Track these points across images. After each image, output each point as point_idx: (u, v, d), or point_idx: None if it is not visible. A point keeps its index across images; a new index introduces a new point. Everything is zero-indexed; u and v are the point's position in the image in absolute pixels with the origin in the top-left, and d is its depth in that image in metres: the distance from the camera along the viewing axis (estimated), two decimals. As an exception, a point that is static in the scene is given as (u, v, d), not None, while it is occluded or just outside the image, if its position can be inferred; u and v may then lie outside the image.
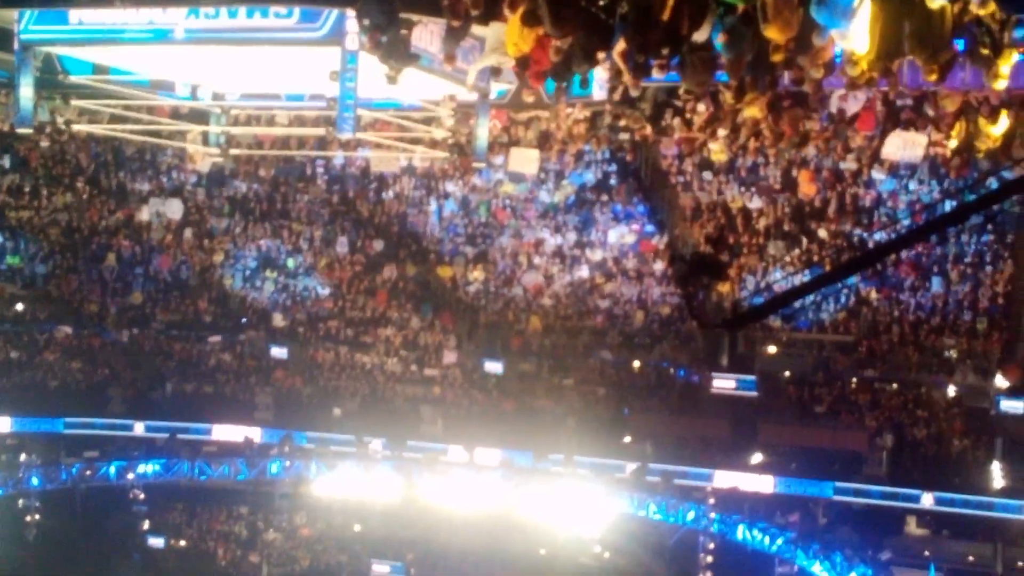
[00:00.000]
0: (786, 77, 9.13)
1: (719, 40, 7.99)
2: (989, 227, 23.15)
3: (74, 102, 14.89)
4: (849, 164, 22.83)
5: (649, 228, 25.57)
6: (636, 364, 26.17)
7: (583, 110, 16.22)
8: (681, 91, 14.73)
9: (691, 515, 24.92)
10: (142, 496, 29.85)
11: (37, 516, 29.46)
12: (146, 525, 30.57)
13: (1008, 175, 19.71)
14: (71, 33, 11.22)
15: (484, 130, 13.27)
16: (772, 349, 25.09)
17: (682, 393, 26.01)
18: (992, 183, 21.27)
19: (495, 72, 10.76)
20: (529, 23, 8.64)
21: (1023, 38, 7.86)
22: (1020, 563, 23.74)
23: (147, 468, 28.49)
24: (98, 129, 16.35)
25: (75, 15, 11.05)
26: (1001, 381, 22.81)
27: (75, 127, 16.51)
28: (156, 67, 13.11)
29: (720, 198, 24.53)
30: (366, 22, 9.79)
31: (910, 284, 23.89)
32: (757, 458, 24.88)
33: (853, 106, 17.01)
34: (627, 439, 25.99)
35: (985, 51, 7.79)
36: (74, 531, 29.49)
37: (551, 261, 26.34)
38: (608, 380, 26.41)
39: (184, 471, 28.31)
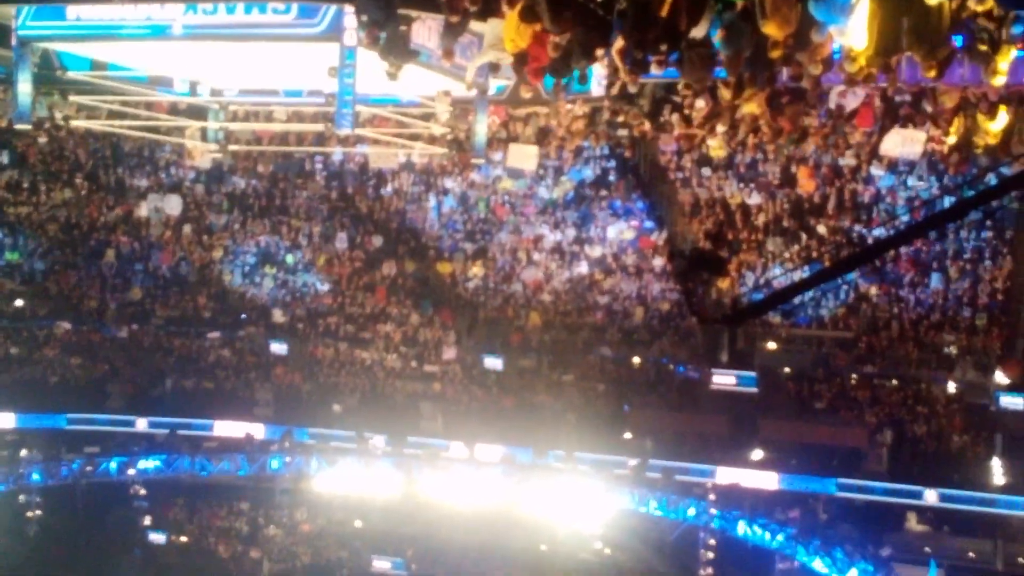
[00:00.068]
0: (784, 73, 9.12)
1: (717, 36, 7.99)
2: (988, 223, 23.12)
3: (72, 98, 14.90)
4: (848, 160, 22.82)
5: (648, 224, 25.56)
6: (636, 360, 26.15)
7: (582, 106, 16.24)
8: (680, 87, 14.75)
9: (692, 511, 24.91)
10: (143, 492, 29.87)
11: (38, 512, 29.48)
12: (147, 521, 30.58)
13: (1007, 171, 19.71)
14: (69, 29, 11.23)
15: (483, 126, 13.28)
16: (772, 345, 25.08)
17: (682, 389, 25.99)
18: (991, 179, 21.28)
19: (494, 68, 10.75)
20: (527, 19, 8.64)
21: (1021, 34, 7.83)
22: (1021, 559, 23.74)
23: (148, 464, 28.48)
24: (96, 125, 16.36)
25: (73, 11, 11.06)
26: (1001, 377, 22.80)
27: (73, 123, 16.53)
28: (154, 63, 13.11)
29: (719, 194, 24.51)
30: (364, 18, 9.79)
31: (909, 280, 23.87)
32: (757, 454, 24.87)
33: (852, 102, 17.02)
34: (627, 435, 25.98)
35: (983, 47, 7.78)
36: (75, 527, 29.51)
37: (550, 257, 26.33)
38: (608, 376, 26.39)
39: (185, 467, 28.31)
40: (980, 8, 7.47)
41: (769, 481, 24.44)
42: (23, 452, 28.19)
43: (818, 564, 23.25)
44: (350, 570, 30.05)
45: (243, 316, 29.01)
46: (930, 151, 19.63)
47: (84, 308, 29.71)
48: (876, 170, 22.78)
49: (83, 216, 29.35)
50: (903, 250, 23.67)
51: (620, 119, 15.84)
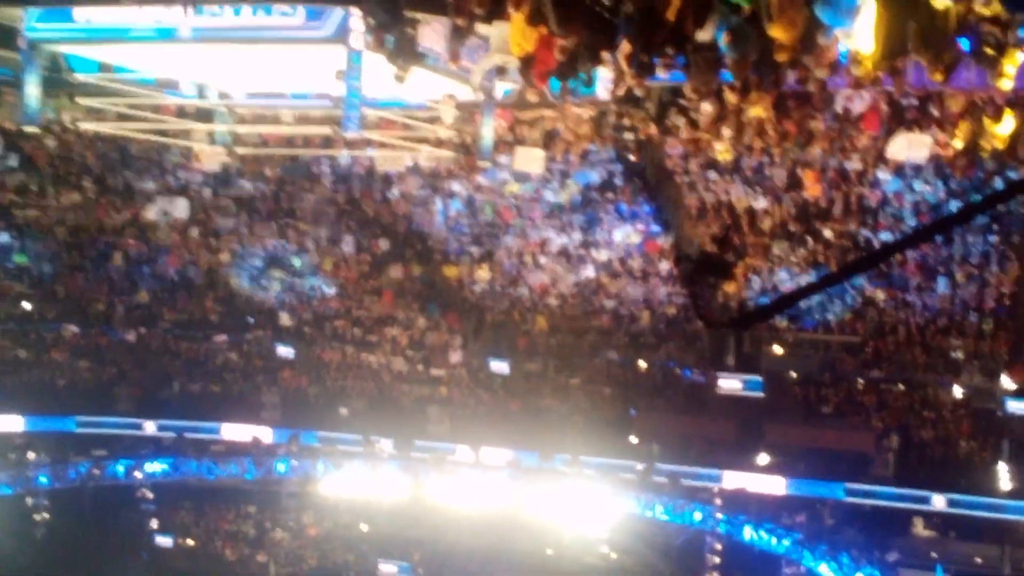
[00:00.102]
0: (791, 77, 9.11)
1: (723, 40, 7.99)
2: (995, 227, 23.08)
3: (80, 101, 14.93)
4: (854, 164, 22.80)
5: (654, 228, 25.54)
6: (642, 364, 26.14)
7: (590, 109, 16.23)
8: (686, 91, 14.72)
9: (698, 516, 24.90)
10: (150, 495, 29.93)
11: (45, 515, 29.57)
12: (154, 524, 30.64)
13: (1014, 175, 19.68)
14: (77, 31, 11.26)
15: (489, 129, 13.29)
16: (778, 350, 25.05)
17: (688, 393, 25.97)
18: (998, 183, 21.25)
19: (500, 72, 10.78)
20: (534, 22, 8.65)
21: (1029, 37, 7.82)
22: (1027, 564, 23.70)
23: (155, 467, 28.55)
24: (104, 128, 16.39)
25: (81, 13, 11.09)
26: (1008, 382, 22.74)
27: (81, 126, 16.56)
28: (162, 66, 13.15)
29: (725, 198, 24.50)
30: (371, 21, 9.81)
31: (916, 285, 23.83)
32: (764, 459, 24.84)
33: (858, 106, 17.00)
34: (633, 439, 25.97)
35: (990, 51, 7.77)
36: (82, 530, 29.58)
37: (557, 261, 26.33)
38: (614, 380, 26.38)
39: (192, 470, 28.37)
40: (987, 12, 7.46)
41: (777, 486, 24.40)
42: (31, 455, 28.27)
43: (824, 569, 23.23)
44: (357, 573, 30.06)
45: (250, 320, 29.06)
46: (937, 155, 19.58)
47: (92, 311, 29.77)
48: (882, 174, 22.76)
49: (91, 219, 29.41)
50: (910, 254, 23.65)
51: (626, 122, 15.83)
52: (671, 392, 26.16)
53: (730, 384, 24.49)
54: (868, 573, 22.67)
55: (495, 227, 26.92)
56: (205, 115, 15.18)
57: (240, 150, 16.43)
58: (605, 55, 8.68)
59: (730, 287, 24.46)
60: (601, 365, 26.35)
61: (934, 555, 24.02)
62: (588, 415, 26.22)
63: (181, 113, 15.95)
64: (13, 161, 28.48)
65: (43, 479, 28.17)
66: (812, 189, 23.56)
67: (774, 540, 24.17)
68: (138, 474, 28.68)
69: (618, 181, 25.68)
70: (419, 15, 10.11)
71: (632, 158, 24.90)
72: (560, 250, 26.27)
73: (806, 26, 7.61)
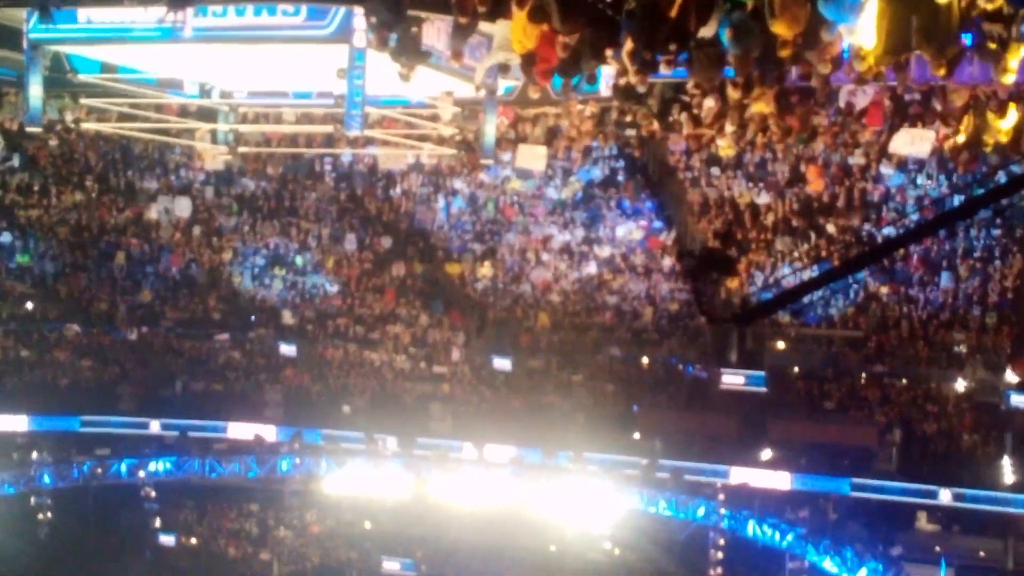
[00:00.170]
0: (794, 72, 9.11)
1: (726, 36, 7.99)
2: (998, 221, 23.08)
3: (83, 101, 14.95)
4: (857, 159, 22.79)
5: (657, 224, 25.54)
6: (645, 360, 26.14)
7: (592, 106, 16.25)
8: (689, 87, 14.74)
9: (701, 511, 24.90)
10: (153, 494, 29.94)
11: (49, 514, 29.56)
12: (157, 523, 30.65)
13: (1017, 169, 19.67)
14: (79, 32, 11.27)
15: (491, 127, 13.30)
16: (781, 345, 25.05)
17: (691, 389, 25.97)
18: (1001, 177, 21.24)
19: (503, 69, 10.76)
20: (536, 19, 8.64)
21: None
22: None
23: (158, 466, 28.57)
24: (107, 127, 16.41)
25: (83, 14, 11.10)
26: (1011, 376, 22.74)
27: (84, 126, 16.59)
28: (164, 65, 13.16)
29: (728, 193, 24.50)
30: (373, 19, 9.81)
31: (919, 279, 23.83)
32: (767, 455, 24.84)
33: (861, 101, 17.00)
34: (636, 435, 25.98)
35: (993, 45, 7.77)
36: (85, 529, 29.60)
37: (559, 257, 26.33)
38: (617, 376, 26.38)
39: (195, 469, 28.38)
40: (989, 7, 7.46)
41: (782, 481, 24.38)
42: (34, 454, 28.29)
43: (828, 564, 23.23)
44: (360, 571, 30.08)
45: (252, 318, 29.07)
46: (940, 149, 19.59)
47: (94, 311, 29.78)
48: (885, 169, 22.75)
49: (93, 219, 29.42)
50: (913, 249, 23.64)
51: (629, 119, 15.84)
52: (674, 388, 26.16)
53: (733, 380, 24.47)
54: (872, 568, 22.66)
55: (497, 224, 26.92)
56: (207, 114, 15.19)
57: (242, 149, 16.44)
58: (608, 52, 8.67)
59: (733, 283, 24.45)
60: (604, 361, 26.35)
61: (938, 549, 24.05)
62: (591, 412, 26.22)
63: (183, 112, 15.97)
64: (16, 161, 28.50)
65: (46, 478, 28.17)
66: (815, 184, 23.56)
67: (778, 535, 24.15)
68: (141, 473, 28.68)
69: (620, 177, 25.68)
70: (422, 13, 10.11)
71: (635, 154, 24.92)
72: (562, 247, 26.27)
73: (809, 22, 7.61)
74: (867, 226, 23.49)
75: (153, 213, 28.90)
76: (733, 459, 24.92)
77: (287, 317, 28.59)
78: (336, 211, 28.32)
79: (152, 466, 28.38)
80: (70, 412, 28.78)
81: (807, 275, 23.89)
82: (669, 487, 24.96)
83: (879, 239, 23.39)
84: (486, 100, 12.89)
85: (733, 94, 10.75)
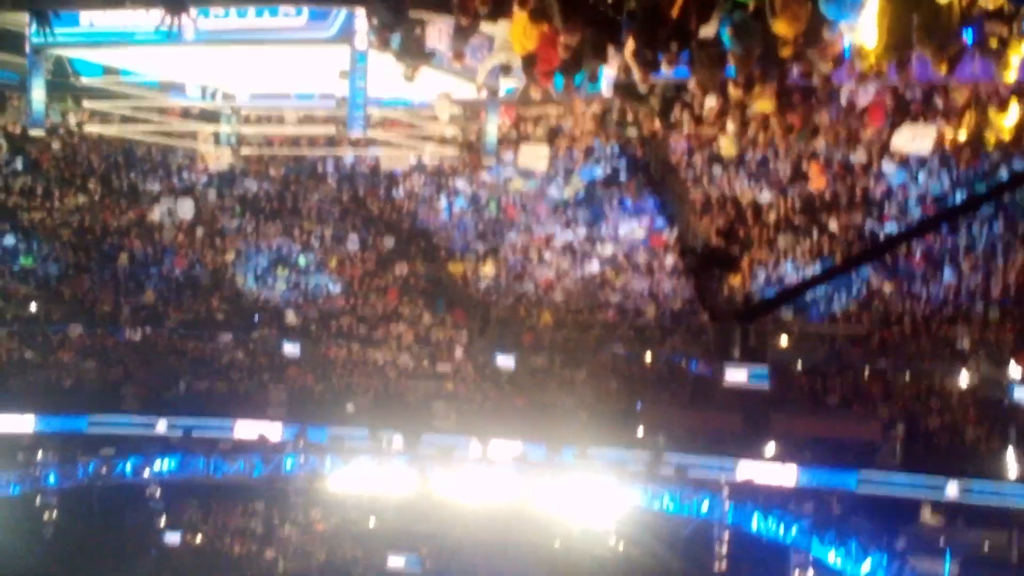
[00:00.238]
0: (795, 71, 9.12)
1: (728, 35, 8.00)
2: (1000, 217, 23.08)
3: (85, 104, 14.97)
4: (859, 156, 22.78)
5: (659, 222, 25.56)
6: (648, 357, 26.17)
7: (595, 105, 16.28)
8: (690, 86, 14.74)
9: (705, 506, 24.93)
10: (158, 493, 29.98)
11: (54, 514, 29.62)
12: (162, 522, 30.70)
13: (1019, 165, 19.67)
14: (82, 36, 11.30)
15: (494, 127, 13.33)
16: (784, 341, 25.07)
17: (694, 386, 26.00)
18: (1003, 173, 21.24)
19: (505, 70, 10.77)
20: (537, 19, 8.65)
21: (1033, 29, 7.82)
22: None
23: (163, 465, 28.62)
24: (109, 130, 16.44)
25: (86, 17, 11.13)
26: (1014, 370, 22.76)
27: (86, 128, 16.62)
28: (166, 68, 13.19)
29: (730, 191, 24.50)
30: (375, 21, 9.82)
31: (921, 275, 23.84)
32: (770, 450, 24.86)
33: (863, 99, 17.01)
34: (640, 432, 26.01)
35: (995, 43, 7.78)
36: (91, 528, 29.63)
37: (561, 256, 26.35)
38: (620, 374, 26.42)
39: (200, 468, 28.42)
40: (991, 5, 7.47)
41: (789, 476, 24.37)
42: (39, 454, 28.34)
43: (832, 556, 23.25)
44: (365, 568, 30.09)
45: (256, 318, 29.11)
46: (941, 146, 19.58)
47: (98, 312, 29.84)
48: (887, 166, 22.75)
49: (97, 221, 29.47)
50: (915, 245, 23.64)
51: (630, 118, 15.87)
52: (677, 385, 26.19)
53: (736, 376, 24.49)
54: (877, 560, 22.68)
55: (500, 223, 26.95)
56: (210, 116, 15.22)
57: (245, 150, 16.48)
58: (609, 52, 8.69)
59: (735, 280, 24.47)
60: (607, 359, 26.39)
61: (942, 542, 24.06)
62: (594, 409, 26.26)
63: (186, 115, 16.00)
64: (19, 164, 28.57)
65: (51, 478, 28.23)
66: (817, 182, 23.56)
67: (782, 529, 24.18)
68: (146, 472, 28.73)
69: (623, 176, 25.68)
70: (424, 14, 10.12)
71: (637, 153, 24.93)
72: (565, 245, 26.30)
73: (810, 21, 7.62)
74: (869, 223, 23.50)
75: (156, 215, 28.96)
76: (736, 455, 24.95)
77: (290, 317, 28.64)
78: (339, 211, 28.37)
79: (157, 465, 28.42)
80: (74, 413, 28.85)
81: (809, 272, 23.90)
82: (673, 483, 25.00)
83: (881, 236, 23.39)
84: (488, 100, 12.91)
85: (734, 93, 10.75)
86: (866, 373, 24.82)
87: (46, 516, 29.59)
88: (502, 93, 12.96)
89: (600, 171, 25.78)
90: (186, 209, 28.48)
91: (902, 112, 17.65)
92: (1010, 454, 23.27)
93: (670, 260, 25.54)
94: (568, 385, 26.60)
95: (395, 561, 28.99)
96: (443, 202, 27.32)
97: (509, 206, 26.74)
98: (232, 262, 29.06)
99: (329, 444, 27.73)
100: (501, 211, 26.84)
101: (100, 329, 29.78)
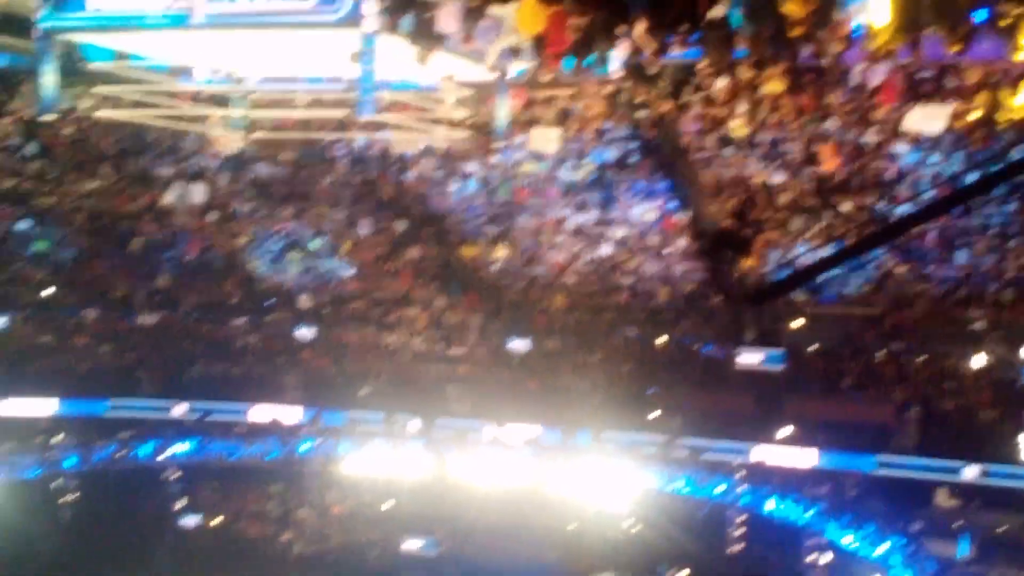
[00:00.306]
0: (806, 51, 9.08)
1: (739, 15, 7.98)
2: (1014, 197, 22.93)
3: (96, 89, 14.98)
4: (871, 137, 22.64)
5: (671, 204, 25.47)
6: (661, 340, 26.16)
7: (604, 87, 16.20)
8: (701, 66, 14.67)
9: (720, 488, 24.95)
10: (175, 476, 30.18)
11: (71, 497, 29.85)
12: (179, 505, 30.91)
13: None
14: (89, 20, 11.29)
15: (504, 110, 13.28)
16: (797, 323, 25.01)
17: (707, 368, 25.98)
18: (1016, 153, 21.06)
19: (515, 52, 10.74)
20: (547, 1, 8.65)
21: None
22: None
23: (180, 448, 28.78)
24: (120, 115, 16.45)
25: (92, 2, 11.13)
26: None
27: (97, 114, 16.63)
28: (175, 52, 13.18)
29: (742, 173, 24.39)
30: (384, 3, 9.80)
31: (935, 256, 23.73)
32: (784, 432, 24.85)
33: (874, 79, 16.89)
34: (654, 414, 26.02)
35: (1006, 23, 7.73)
36: (108, 512, 29.86)
37: (574, 239, 26.31)
38: (633, 357, 26.42)
39: (216, 451, 28.58)
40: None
41: (808, 459, 24.33)
42: (57, 437, 28.54)
43: (849, 540, 23.25)
44: (380, 551, 30.27)
45: (269, 302, 29.20)
46: (954, 126, 19.43)
47: (112, 297, 29.96)
48: (900, 146, 22.61)
49: (109, 206, 29.56)
50: (928, 226, 23.52)
51: (641, 99, 15.81)
52: (690, 368, 26.17)
53: (749, 359, 24.46)
54: (893, 543, 22.67)
55: (511, 206, 26.91)
56: (220, 101, 15.22)
57: (256, 135, 16.47)
58: (619, 33, 8.68)
59: (748, 262, 24.40)
60: (620, 342, 26.38)
61: (957, 524, 24.03)
62: (608, 392, 26.28)
63: (196, 99, 16.00)
64: (31, 149, 28.63)
65: (69, 462, 28.43)
66: (829, 163, 23.43)
67: (797, 512, 24.19)
68: (163, 456, 28.92)
69: (634, 158, 25.59)
70: (432, -4, 10.11)
71: (648, 135, 24.82)
72: (577, 228, 26.25)
73: (820, 1, 7.60)
74: (882, 204, 23.37)
75: (168, 199, 29.00)
76: (750, 438, 24.95)
77: (304, 301, 28.71)
78: (351, 195, 28.36)
79: (174, 449, 28.59)
80: (91, 396, 29.03)
81: (822, 254, 23.82)
82: (687, 465, 25.02)
83: (894, 217, 23.27)
84: (498, 83, 12.86)
85: (745, 74, 10.73)
86: (880, 355, 24.75)
87: (64, 499, 29.82)
88: (513, 75, 12.91)
89: (612, 153, 25.69)
90: (198, 193, 28.51)
91: (914, 92, 17.51)
92: (1025, 436, 23.23)
93: (682, 243, 25.47)
94: (582, 368, 26.62)
95: (410, 544, 29.18)
96: (454, 185, 27.29)
97: (521, 189, 26.69)
98: (245, 246, 29.12)
99: (345, 427, 27.84)
100: (513, 194, 26.79)
101: (115, 314, 29.92)
